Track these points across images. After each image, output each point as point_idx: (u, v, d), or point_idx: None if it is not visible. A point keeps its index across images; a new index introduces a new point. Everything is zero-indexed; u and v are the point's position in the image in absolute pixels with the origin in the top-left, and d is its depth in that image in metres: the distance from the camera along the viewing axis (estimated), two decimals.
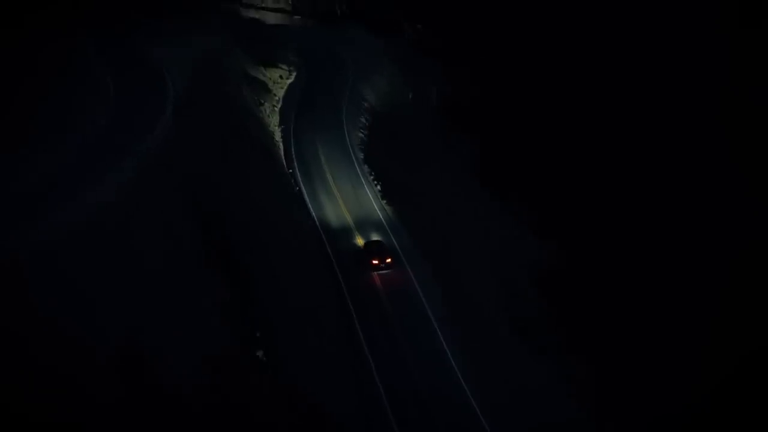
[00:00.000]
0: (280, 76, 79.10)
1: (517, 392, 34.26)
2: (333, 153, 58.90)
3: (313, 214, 49.06)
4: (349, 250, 45.31)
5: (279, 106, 70.10)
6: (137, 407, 25.04)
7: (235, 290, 33.40)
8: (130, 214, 32.92)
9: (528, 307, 44.61)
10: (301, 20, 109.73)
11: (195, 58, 72.35)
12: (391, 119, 69.78)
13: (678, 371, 39.15)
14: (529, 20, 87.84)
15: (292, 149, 59.18)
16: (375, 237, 46.91)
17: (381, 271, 44.14)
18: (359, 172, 55.94)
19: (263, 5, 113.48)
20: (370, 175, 55.07)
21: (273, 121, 65.48)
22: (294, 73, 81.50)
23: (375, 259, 44.58)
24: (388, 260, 44.73)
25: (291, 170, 55.54)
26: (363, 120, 67.02)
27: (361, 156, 58.45)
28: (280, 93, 73.76)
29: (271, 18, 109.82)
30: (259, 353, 31.56)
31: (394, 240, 46.25)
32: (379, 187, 53.40)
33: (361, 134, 63.42)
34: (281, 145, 60.62)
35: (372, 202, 51.19)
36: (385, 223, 48.37)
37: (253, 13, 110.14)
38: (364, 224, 48.25)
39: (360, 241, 45.99)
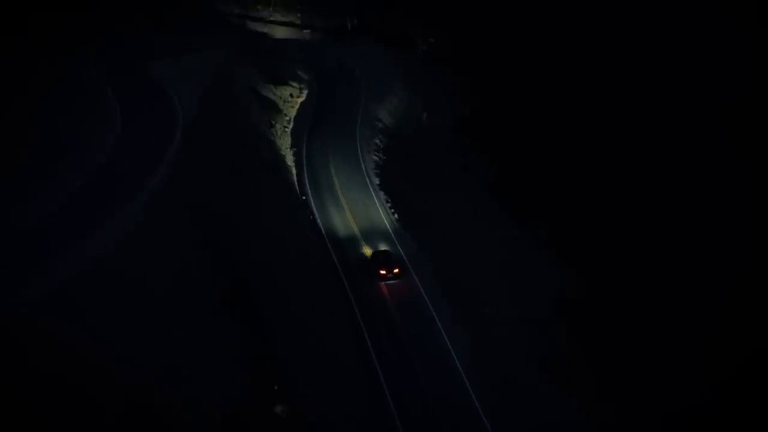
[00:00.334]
0: (291, 95, 78.46)
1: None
2: (348, 179, 57.56)
3: (330, 247, 47.44)
4: (371, 294, 43.10)
5: (290, 126, 69.12)
6: None
7: (251, 338, 32.43)
8: (139, 258, 31.76)
9: (549, 338, 43.89)
10: (310, 34, 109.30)
11: (204, 76, 71.92)
12: (405, 140, 68.77)
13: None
14: (547, 34, 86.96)
15: (305, 175, 57.91)
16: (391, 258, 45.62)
17: (389, 281, 43.74)
18: (376, 199, 54.49)
19: (272, 18, 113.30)
20: (387, 203, 53.74)
21: (284, 144, 64.60)
22: (305, 91, 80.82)
23: (383, 269, 44.09)
24: (396, 270, 44.27)
25: (304, 197, 54.40)
26: (377, 142, 66.03)
27: (377, 182, 57.15)
28: (291, 113, 72.97)
29: (280, 32, 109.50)
30: (278, 409, 30.38)
31: (418, 280, 44.36)
32: (396, 215, 51.92)
33: (375, 157, 62.33)
34: (293, 169, 59.38)
35: (390, 232, 49.54)
36: (406, 259, 46.34)
37: (261, 27, 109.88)
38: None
39: (384, 288, 43.76)
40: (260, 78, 79.71)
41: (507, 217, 59.72)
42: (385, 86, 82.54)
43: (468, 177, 66.43)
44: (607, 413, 36.31)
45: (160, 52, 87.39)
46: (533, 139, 70.99)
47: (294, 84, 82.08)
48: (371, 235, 49.10)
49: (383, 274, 43.92)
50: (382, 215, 51.49)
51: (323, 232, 49.06)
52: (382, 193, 54.93)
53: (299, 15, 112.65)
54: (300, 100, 77.82)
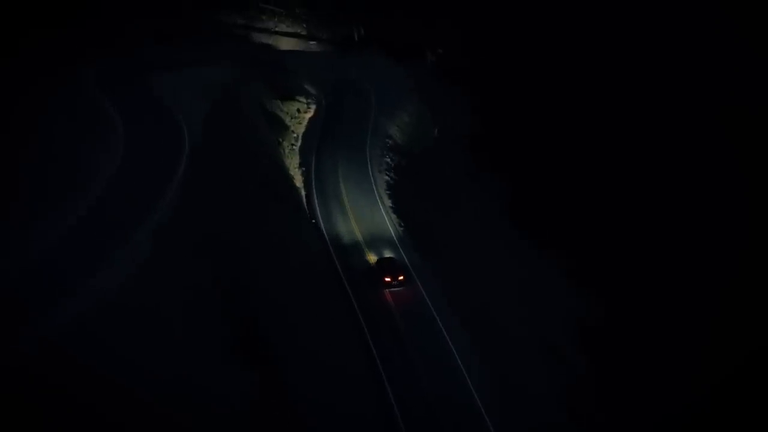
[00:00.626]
0: (298, 110, 77.35)
1: None
2: (359, 201, 56.03)
3: (342, 275, 45.78)
4: (391, 328, 41.35)
5: (298, 144, 67.93)
6: None
7: (266, 386, 31.20)
8: (144, 299, 30.30)
9: (570, 367, 42.80)
10: (317, 45, 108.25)
11: (209, 92, 70.97)
12: (417, 159, 67.46)
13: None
14: (562, 41, 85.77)
15: (315, 196, 56.44)
16: (399, 277, 45.14)
17: (393, 289, 43.85)
18: (389, 225, 52.78)
19: (277, 29, 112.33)
20: (401, 226, 52.26)
21: (292, 163, 63.47)
22: (312, 107, 79.72)
23: (387, 276, 44.36)
24: (401, 278, 44.53)
25: (314, 220, 53.09)
26: (388, 161, 64.68)
27: (390, 204, 55.66)
28: (299, 129, 71.77)
29: (286, 44, 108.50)
30: None
31: (441, 321, 42.47)
32: (412, 242, 50.19)
33: (387, 177, 60.87)
34: (302, 190, 58.13)
35: (408, 263, 47.56)
36: (429, 302, 43.69)
37: (266, 39, 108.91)
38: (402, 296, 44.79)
39: (396, 310, 42.74)
40: (266, 92, 78.69)
41: (523, 239, 58.52)
42: (394, 100, 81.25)
43: (482, 197, 65.26)
44: None
45: (163, 65, 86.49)
46: (549, 157, 69.78)
47: (301, 99, 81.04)
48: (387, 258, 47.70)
49: (388, 281, 44.28)
50: (397, 242, 50.05)
51: (336, 262, 47.36)
52: (394, 216, 53.62)
53: (305, 25, 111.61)
54: (308, 115, 76.71)
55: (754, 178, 59.32)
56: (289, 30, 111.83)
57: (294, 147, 67.08)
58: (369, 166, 62.01)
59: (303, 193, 57.61)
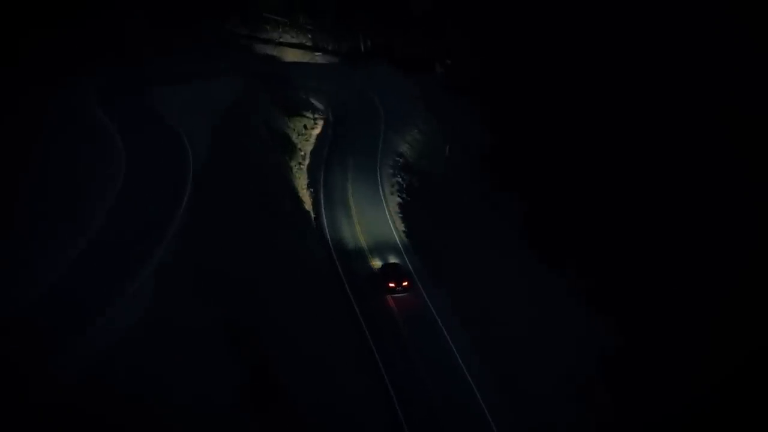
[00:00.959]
0: (305, 126, 75.96)
1: None
2: (371, 224, 54.65)
3: (358, 311, 43.98)
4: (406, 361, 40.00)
5: (306, 163, 66.39)
6: None
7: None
8: (148, 349, 28.81)
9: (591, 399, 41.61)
10: (322, 57, 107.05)
11: (213, 109, 69.71)
12: (429, 178, 65.71)
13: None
14: (578, 54, 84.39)
15: (324, 220, 54.98)
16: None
17: (397, 294, 44.34)
18: (403, 251, 51.12)
19: (281, 40, 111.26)
20: (415, 252, 50.67)
21: (301, 183, 61.82)
22: (319, 122, 78.21)
23: (392, 282, 45.02)
24: (405, 283, 45.24)
25: (327, 251, 51.05)
26: (399, 180, 63.11)
27: (403, 228, 54.28)
28: (306, 147, 70.26)
29: (290, 55, 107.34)
30: None
31: (457, 350, 41.57)
32: (428, 270, 48.54)
33: (399, 199, 59.26)
34: (312, 213, 56.71)
35: (426, 298, 45.72)
36: (458, 355, 41.62)
37: (270, 50, 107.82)
38: (419, 329, 43.41)
39: (410, 343, 41.44)
40: (272, 108, 77.45)
41: (540, 262, 57.16)
42: (403, 114, 79.64)
43: (495, 217, 63.88)
44: None
45: (165, 78, 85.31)
46: (565, 174, 68.27)
47: (307, 114, 79.76)
48: (402, 297, 46.04)
49: (392, 286, 44.97)
50: (414, 274, 48.20)
51: (351, 296, 45.60)
52: (407, 240, 52.22)
53: (310, 36, 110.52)
54: (315, 132, 75.38)
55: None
56: (294, 41, 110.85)
57: (302, 166, 65.73)
58: (380, 187, 60.52)
59: (312, 215, 56.19)
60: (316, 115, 79.87)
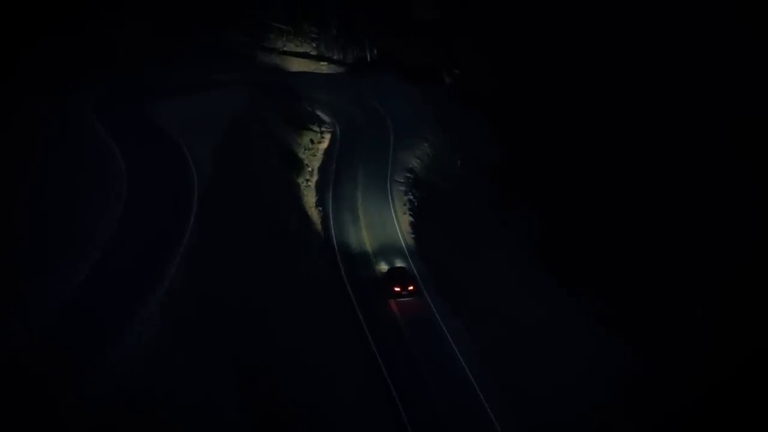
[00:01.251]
0: (311, 140, 75.00)
1: None
2: (383, 245, 53.22)
3: (373, 346, 41.92)
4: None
5: (314, 179, 65.07)
6: None
7: None
8: (154, 392, 27.80)
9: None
10: (327, 66, 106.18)
11: (217, 123, 68.73)
12: (440, 195, 64.37)
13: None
14: (592, 64, 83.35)
15: (335, 242, 53.48)
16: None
17: (402, 299, 44.59)
18: (419, 278, 49.28)
19: (285, 48, 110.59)
20: (430, 274, 49.36)
21: (309, 201, 60.28)
22: (326, 136, 77.15)
23: (397, 286, 45.14)
24: (411, 287, 45.38)
25: (337, 274, 49.51)
26: (411, 198, 61.83)
27: (416, 249, 52.92)
28: (314, 163, 69.00)
29: (295, 65, 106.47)
30: None
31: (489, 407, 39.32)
32: (445, 299, 46.92)
33: (411, 218, 58.00)
34: (321, 233, 55.35)
35: (445, 332, 44.01)
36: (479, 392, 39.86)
37: (274, 59, 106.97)
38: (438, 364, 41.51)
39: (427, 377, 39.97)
40: (277, 121, 76.56)
41: (554, 282, 56.48)
42: (412, 127, 78.39)
43: (509, 236, 63.16)
44: None
45: (167, 90, 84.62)
46: (582, 190, 67.34)
47: (314, 127, 78.86)
48: (418, 325, 44.56)
49: (397, 291, 45.10)
50: (433, 308, 46.05)
51: (366, 330, 43.66)
52: (423, 264, 51.27)
53: (314, 45, 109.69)
54: (322, 146, 74.41)
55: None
56: (298, 50, 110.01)
57: (309, 183, 64.82)
58: (392, 206, 59.20)
59: (321, 236, 55.26)
60: (323, 128, 78.97)
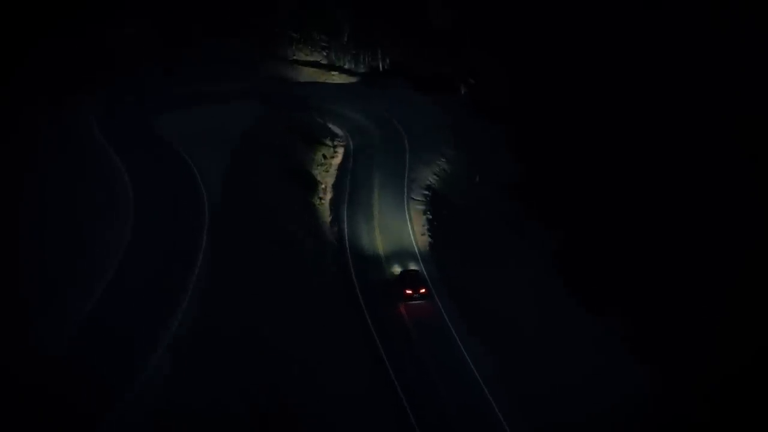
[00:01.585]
0: (324, 156, 73.56)
1: None
2: (402, 267, 51.22)
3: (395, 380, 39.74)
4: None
5: (327, 197, 63.63)
6: None
7: None
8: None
9: None
10: (338, 76, 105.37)
11: (225, 139, 67.88)
12: (459, 212, 62.94)
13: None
14: (621, 71, 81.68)
15: (351, 265, 51.62)
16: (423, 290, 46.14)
17: (414, 302, 45.10)
18: (441, 306, 47.01)
19: (294, 57, 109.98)
20: (452, 300, 47.40)
21: (323, 221, 58.62)
22: (339, 150, 75.46)
23: (408, 289, 45.82)
24: (423, 290, 46.01)
25: (355, 301, 47.29)
26: (429, 217, 60.17)
27: (436, 272, 51.04)
28: (327, 179, 67.30)
29: (305, 74, 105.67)
30: None
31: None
32: (483, 343, 44.22)
33: (430, 239, 56.38)
34: (337, 254, 53.50)
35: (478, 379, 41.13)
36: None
37: (283, 69, 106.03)
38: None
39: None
40: (287, 136, 75.49)
41: (577, 302, 55.07)
42: (428, 141, 76.87)
43: (528, 253, 61.67)
44: None
45: (173, 102, 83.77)
46: (607, 205, 65.61)
47: (326, 141, 77.57)
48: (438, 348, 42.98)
49: (409, 293, 45.73)
50: (461, 345, 43.64)
51: (388, 365, 41.50)
52: (445, 289, 49.86)
53: (325, 54, 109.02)
54: (335, 161, 73.03)
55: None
56: (308, 59, 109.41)
57: (323, 201, 63.33)
58: (410, 228, 57.29)
59: (338, 259, 53.72)
60: (336, 142, 77.76)
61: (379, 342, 42.65)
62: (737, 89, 72.80)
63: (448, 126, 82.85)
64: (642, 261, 59.94)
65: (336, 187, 66.49)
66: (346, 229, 57.80)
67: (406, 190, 64.63)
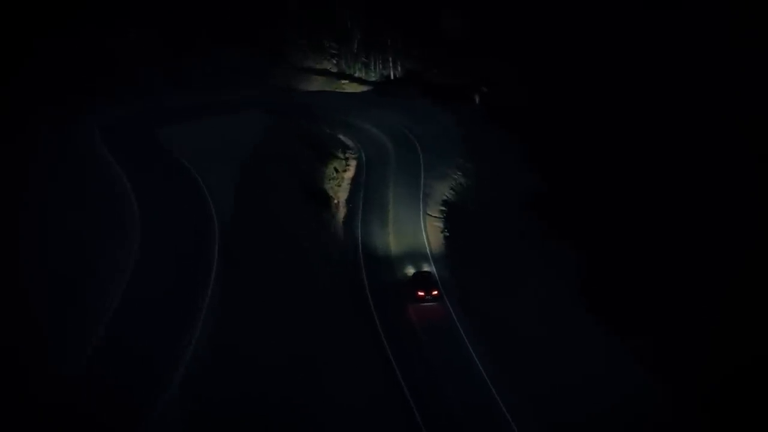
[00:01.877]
0: (336, 169, 71.59)
1: None
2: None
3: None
4: None
5: (340, 214, 62.37)
6: None
7: None
8: None
9: None
10: (348, 85, 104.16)
11: (234, 153, 66.57)
12: (477, 229, 61.08)
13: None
14: (646, 77, 79.85)
15: (368, 290, 49.20)
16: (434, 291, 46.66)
17: (426, 303, 45.70)
18: (464, 334, 45.03)
19: (303, 65, 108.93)
20: (476, 330, 45.23)
21: (336, 239, 57.84)
22: (351, 163, 73.56)
23: (421, 290, 46.23)
24: (435, 293, 46.42)
25: (379, 348, 43.30)
26: (447, 234, 58.60)
27: (460, 304, 48.18)
28: (339, 195, 65.67)
29: (314, 83, 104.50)
30: None
31: None
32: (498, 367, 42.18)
33: (448, 261, 54.38)
34: (353, 276, 51.48)
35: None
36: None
37: (291, 77, 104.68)
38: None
39: None
40: (297, 147, 74.31)
41: (597, 323, 53.36)
42: (444, 153, 75.38)
43: (549, 273, 59.95)
44: None
45: (178, 114, 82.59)
46: (634, 220, 63.68)
47: (338, 154, 75.99)
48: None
49: (421, 295, 46.18)
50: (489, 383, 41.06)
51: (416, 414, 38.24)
52: (467, 321, 47.77)
53: (335, 62, 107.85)
54: (347, 175, 71.37)
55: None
56: (317, 66, 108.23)
57: (335, 218, 62.27)
58: (428, 249, 55.80)
59: (354, 282, 51.77)
60: (347, 155, 76.36)
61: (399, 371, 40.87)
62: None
63: (462, 137, 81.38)
64: (676, 283, 58.07)
65: (349, 202, 65.03)
66: (361, 253, 55.86)
67: (422, 206, 63.00)
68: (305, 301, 44.39)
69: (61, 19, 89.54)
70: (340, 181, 69.50)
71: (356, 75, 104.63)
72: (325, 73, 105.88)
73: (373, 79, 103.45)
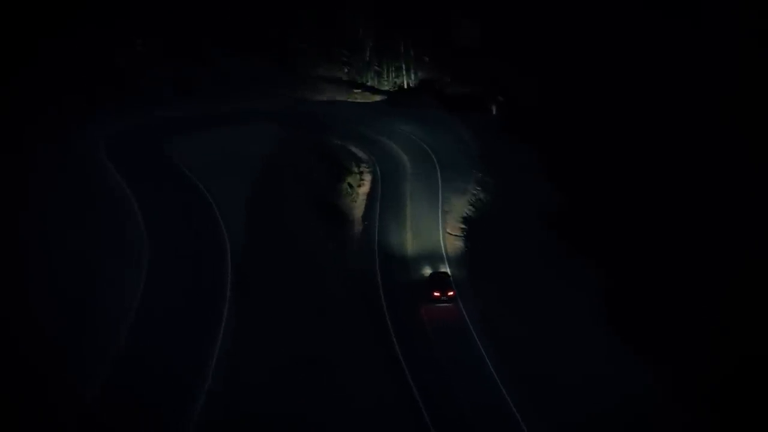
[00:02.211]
0: (350, 185, 70.78)
1: None
2: (443, 322, 47.05)
3: None
4: None
5: (356, 233, 61.27)
6: None
7: None
8: None
9: None
10: (361, 95, 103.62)
11: (244, 168, 65.41)
12: (498, 248, 60.73)
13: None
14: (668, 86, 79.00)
15: (388, 321, 47.18)
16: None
17: (441, 304, 47.11)
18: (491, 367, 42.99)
19: (316, 73, 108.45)
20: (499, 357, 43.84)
21: (353, 260, 56.64)
22: (366, 178, 72.71)
23: (437, 291, 47.86)
24: (450, 293, 47.94)
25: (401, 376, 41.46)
26: (467, 253, 57.71)
27: (479, 320, 47.26)
28: (355, 212, 64.92)
29: (325, 92, 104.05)
30: None
31: None
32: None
33: (473, 287, 52.53)
34: (371, 301, 49.89)
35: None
36: None
37: (301, 86, 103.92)
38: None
39: None
40: (310, 162, 73.93)
41: (622, 342, 52.63)
42: (461, 167, 74.60)
43: (569, 292, 59.27)
44: None
45: (186, 125, 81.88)
46: (657, 239, 62.87)
47: (352, 168, 75.59)
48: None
49: (437, 295, 47.77)
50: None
51: None
52: (491, 350, 46.91)
53: (347, 70, 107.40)
54: (362, 191, 70.69)
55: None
56: (328, 75, 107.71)
57: (351, 236, 61.78)
58: (447, 268, 55.74)
59: (373, 306, 50.78)
60: (362, 169, 75.72)
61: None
62: None
63: (480, 149, 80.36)
64: (705, 303, 57.32)
65: (365, 219, 64.25)
66: (379, 275, 55.01)
67: (440, 224, 62.18)
68: (321, 327, 43.76)
69: (65, 28, 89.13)
70: (356, 197, 68.67)
71: (368, 84, 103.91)
72: (336, 81, 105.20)
73: (386, 88, 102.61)
